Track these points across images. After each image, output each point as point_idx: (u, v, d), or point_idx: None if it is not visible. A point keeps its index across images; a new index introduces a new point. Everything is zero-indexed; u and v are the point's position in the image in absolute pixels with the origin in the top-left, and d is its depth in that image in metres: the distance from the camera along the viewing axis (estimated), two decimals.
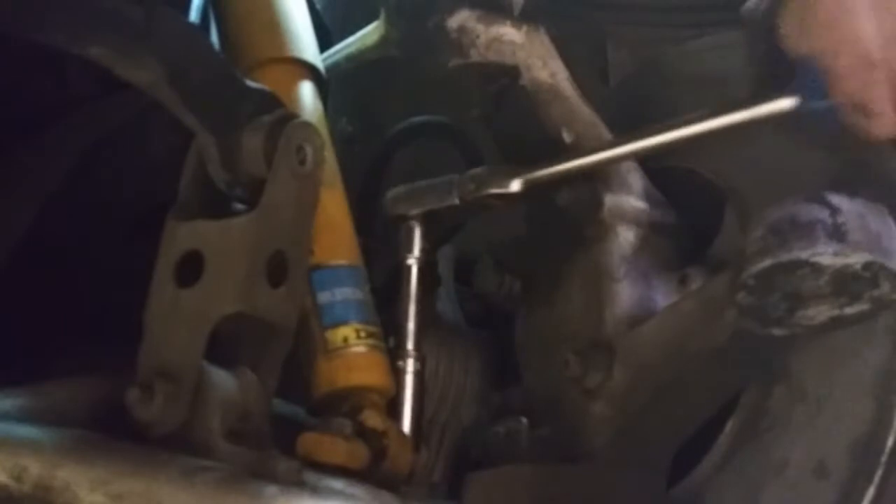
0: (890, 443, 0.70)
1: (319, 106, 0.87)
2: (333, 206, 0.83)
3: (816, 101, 0.73)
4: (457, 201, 0.85)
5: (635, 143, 0.80)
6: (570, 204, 0.84)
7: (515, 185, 0.83)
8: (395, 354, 0.83)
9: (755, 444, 0.77)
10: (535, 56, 0.87)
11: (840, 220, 0.65)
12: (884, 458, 0.70)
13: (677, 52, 0.92)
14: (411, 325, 0.85)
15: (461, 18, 0.87)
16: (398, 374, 0.83)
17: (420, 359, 0.84)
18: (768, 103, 0.75)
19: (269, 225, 0.70)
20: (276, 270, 0.71)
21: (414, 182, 0.90)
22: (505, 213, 0.86)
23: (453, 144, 0.97)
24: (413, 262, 0.86)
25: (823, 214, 0.65)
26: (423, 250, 0.87)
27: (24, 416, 0.65)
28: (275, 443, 0.71)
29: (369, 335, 0.80)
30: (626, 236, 0.82)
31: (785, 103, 0.74)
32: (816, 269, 0.64)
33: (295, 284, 0.72)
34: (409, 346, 0.84)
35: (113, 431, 0.66)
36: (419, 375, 0.84)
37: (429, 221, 0.87)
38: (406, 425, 0.82)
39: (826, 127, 0.74)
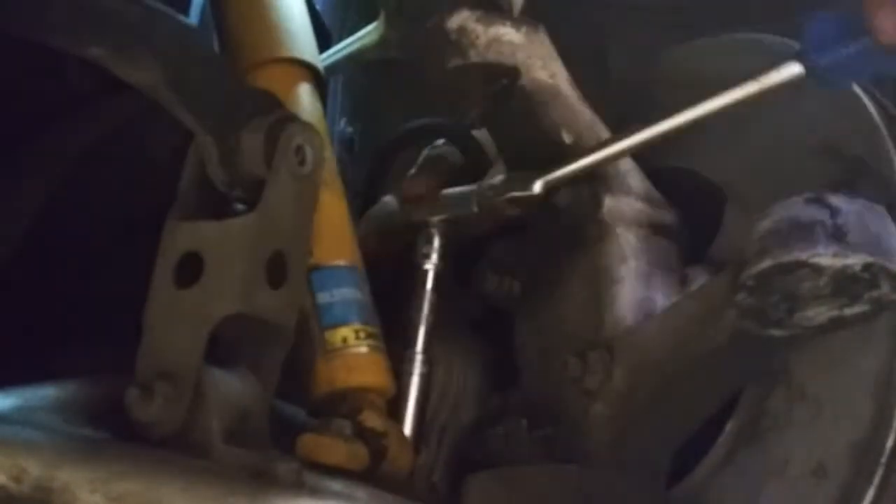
0: (890, 443, 0.70)
1: (319, 106, 0.87)
2: (333, 207, 0.83)
3: (826, 58, 0.72)
4: (476, 209, 0.85)
5: (649, 132, 0.79)
6: (569, 204, 0.84)
7: (538, 187, 0.83)
8: (402, 356, 0.84)
9: (755, 444, 0.76)
10: (535, 56, 0.87)
11: (840, 220, 0.65)
12: (883, 459, 0.70)
13: (677, 53, 0.92)
14: (423, 329, 0.85)
15: (460, 19, 0.87)
16: (404, 376, 0.83)
17: (427, 362, 0.84)
18: (775, 72, 0.74)
19: (268, 225, 0.70)
20: (276, 271, 0.70)
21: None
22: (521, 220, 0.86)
23: (455, 146, 0.97)
24: (431, 267, 0.86)
25: (823, 215, 0.65)
26: (441, 257, 0.87)
27: (23, 417, 0.65)
28: (274, 444, 0.71)
29: (368, 336, 0.80)
30: (625, 237, 0.82)
31: (793, 68, 0.73)
32: (816, 269, 0.64)
33: (294, 285, 0.72)
34: (419, 348, 0.84)
35: (112, 432, 0.66)
36: (425, 378, 0.84)
37: (448, 229, 0.87)
38: (408, 427, 0.82)
39: (839, 82, 0.73)
